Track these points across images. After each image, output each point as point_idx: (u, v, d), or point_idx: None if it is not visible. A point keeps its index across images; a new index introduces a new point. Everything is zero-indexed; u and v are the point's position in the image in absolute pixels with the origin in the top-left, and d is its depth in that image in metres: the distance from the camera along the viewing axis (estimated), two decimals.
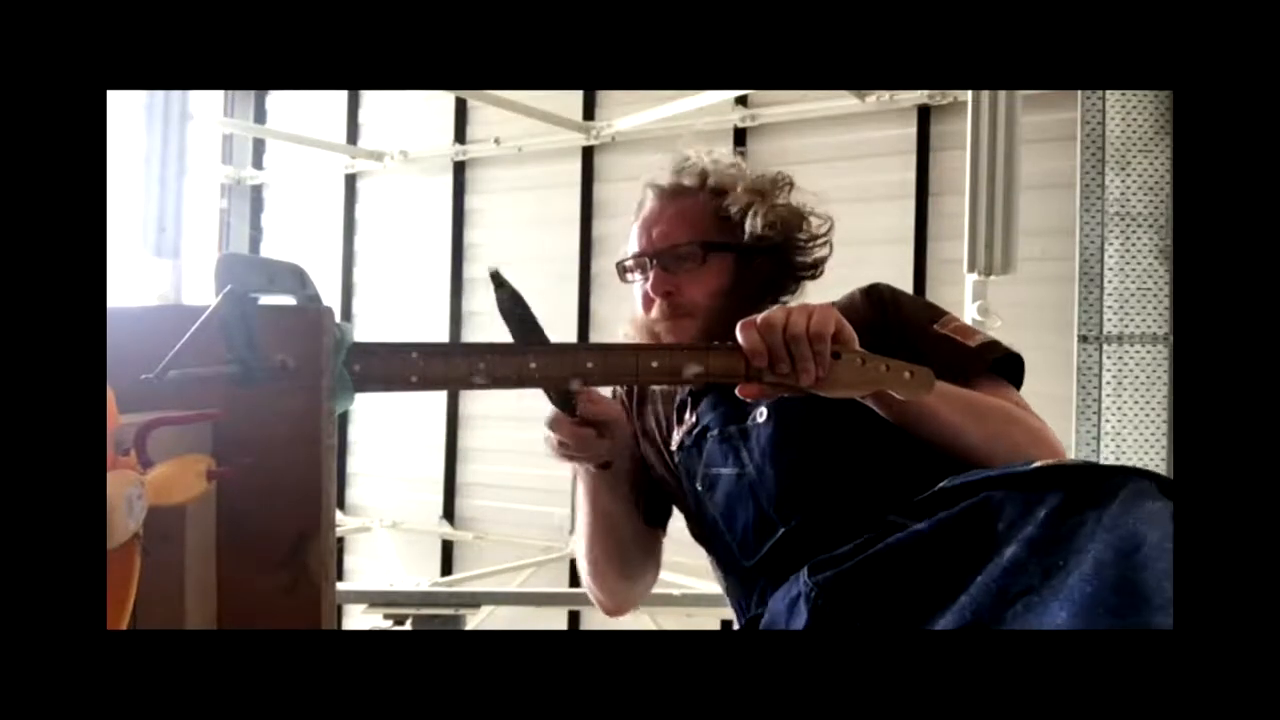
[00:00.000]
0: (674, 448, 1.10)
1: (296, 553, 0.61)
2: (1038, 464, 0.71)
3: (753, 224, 1.05)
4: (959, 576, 0.66)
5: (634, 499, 1.10)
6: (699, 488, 1.04)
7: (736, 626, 1.03)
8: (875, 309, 1.04)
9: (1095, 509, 0.63)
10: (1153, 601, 0.53)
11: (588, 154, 4.19)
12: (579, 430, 0.94)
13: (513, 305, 0.81)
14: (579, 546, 1.14)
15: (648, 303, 1.06)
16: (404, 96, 4.49)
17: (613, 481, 1.06)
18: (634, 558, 1.13)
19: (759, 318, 0.81)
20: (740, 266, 1.06)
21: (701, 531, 1.09)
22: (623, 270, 1.11)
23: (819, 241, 1.10)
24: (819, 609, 0.76)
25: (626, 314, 1.09)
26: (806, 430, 0.94)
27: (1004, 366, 1.00)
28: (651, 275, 1.06)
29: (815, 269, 1.11)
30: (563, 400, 0.91)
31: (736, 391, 0.83)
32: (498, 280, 0.82)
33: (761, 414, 0.98)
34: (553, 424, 0.95)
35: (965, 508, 0.72)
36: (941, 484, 0.78)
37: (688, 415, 1.08)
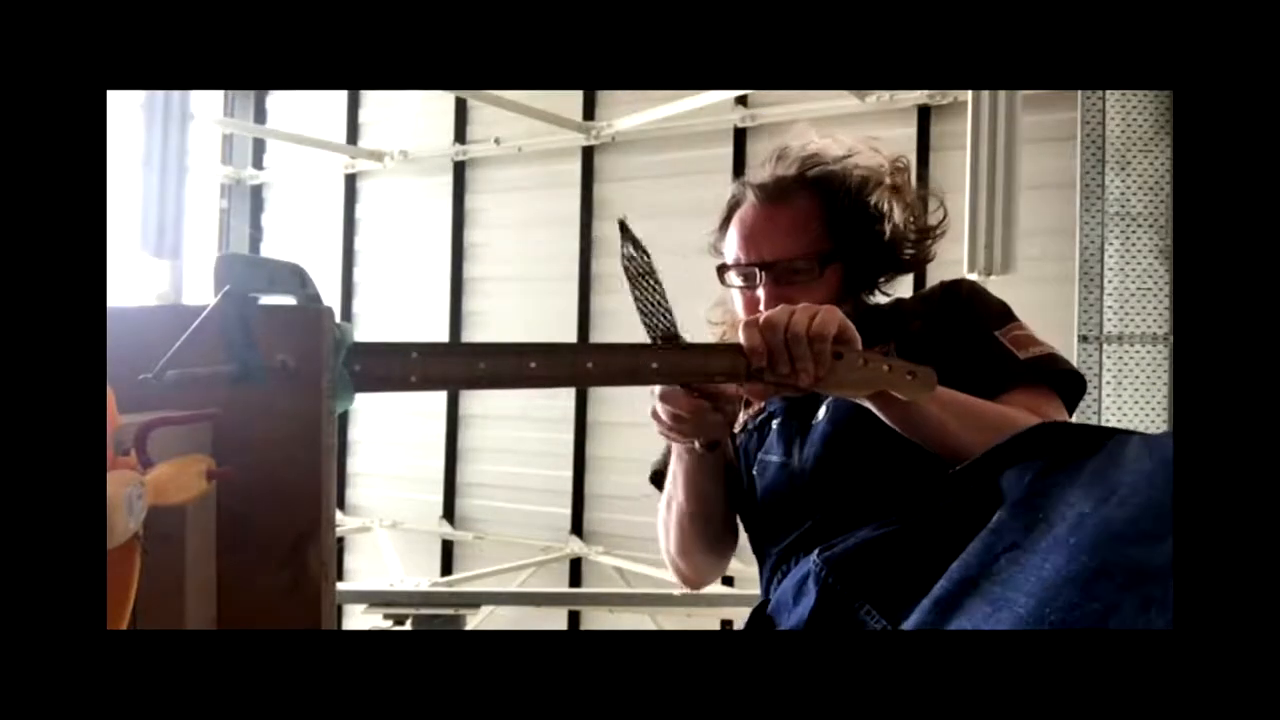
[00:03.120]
0: (736, 429, 1.10)
1: (296, 553, 0.61)
2: (1030, 425, 0.70)
3: (891, 229, 1.01)
4: (959, 550, 0.65)
5: (724, 479, 1.09)
6: (754, 472, 1.06)
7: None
8: (947, 301, 1.04)
9: (1077, 465, 0.62)
10: (1129, 537, 0.53)
11: (588, 154, 4.19)
12: (697, 403, 0.90)
13: (636, 258, 0.81)
14: (667, 522, 1.13)
15: (754, 312, 1.01)
16: (404, 96, 4.49)
17: (712, 462, 1.04)
18: (722, 535, 1.13)
19: (761, 316, 0.81)
20: (852, 268, 1.04)
21: (745, 513, 1.10)
22: (722, 272, 1.08)
23: (934, 237, 1.07)
24: (827, 586, 0.76)
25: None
26: (858, 434, 0.94)
27: (1056, 381, 0.98)
28: (763, 290, 1.02)
29: (920, 267, 1.09)
30: None
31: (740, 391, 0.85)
32: (626, 231, 0.81)
33: (823, 411, 0.99)
34: (668, 397, 0.90)
35: (970, 490, 0.71)
36: (953, 470, 0.77)
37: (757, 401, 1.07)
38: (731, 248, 1.07)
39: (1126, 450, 0.61)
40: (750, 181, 1.07)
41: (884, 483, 0.91)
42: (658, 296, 0.83)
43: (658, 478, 1.19)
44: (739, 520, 1.15)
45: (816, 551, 0.79)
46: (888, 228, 1.02)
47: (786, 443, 1.02)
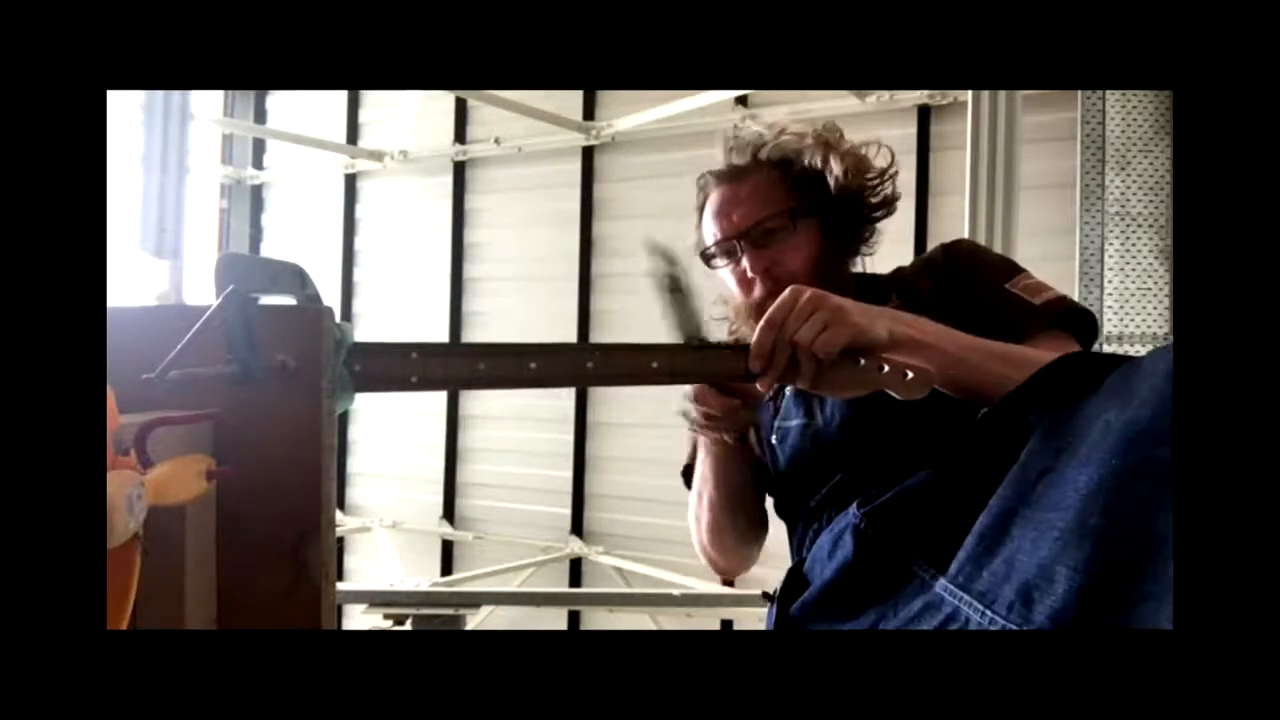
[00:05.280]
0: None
1: (296, 553, 0.61)
2: (1054, 358, 0.71)
3: (835, 180, 1.05)
4: (993, 489, 0.66)
5: (753, 468, 1.11)
6: (774, 440, 1.08)
7: None
8: (951, 265, 1.07)
9: (1097, 388, 0.63)
10: (1155, 436, 0.54)
11: (588, 154, 4.19)
12: (728, 401, 0.93)
13: (671, 274, 0.85)
14: (699, 514, 1.15)
15: (746, 284, 1.06)
16: (404, 96, 4.49)
17: (742, 454, 1.07)
18: (753, 523, 1.16)
19: (780, 320, 0.81)
20: (826, 225, 1.07)
21: (771, 483, 1.12)
22: (707, 259, 1.11)
23: (888, 176, 1.10)
24: (866, 537, 0.76)
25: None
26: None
27: (1071, 322, 1.01)
28: (745, 256, 1.05)
29: (889, 207, 1.11)
30: None
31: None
32: (659, 250, 0.86)
33: None
34: (700, 397, 0.94)
35: (1001, 432, 0.72)
36: (982, 412, 0.78)
37: None
38: (709, 232, 1.10)
39: (1141, 362, 0.62)
40: (710, 172, 1.12)
41: (911, 432, 0.92)
42: (689, 307, 0.86)
43: (688, 473, 1.21)
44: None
45: (855, 504, 0.79)
46: (831, 180, 1.05)
47: (806, 406, 1.05)
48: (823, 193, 1.06)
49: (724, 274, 1.10)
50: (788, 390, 1.06)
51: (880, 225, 1.12)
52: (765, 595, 1.06)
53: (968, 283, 1.04)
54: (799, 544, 1.06)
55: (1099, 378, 0.64)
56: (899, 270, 1.14)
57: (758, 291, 1.05)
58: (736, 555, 1.19)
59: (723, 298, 1.12)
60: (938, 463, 0.77)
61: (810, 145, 1.07)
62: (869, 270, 1.16)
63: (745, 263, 1.05)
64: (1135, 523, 0.52)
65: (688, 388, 0.94)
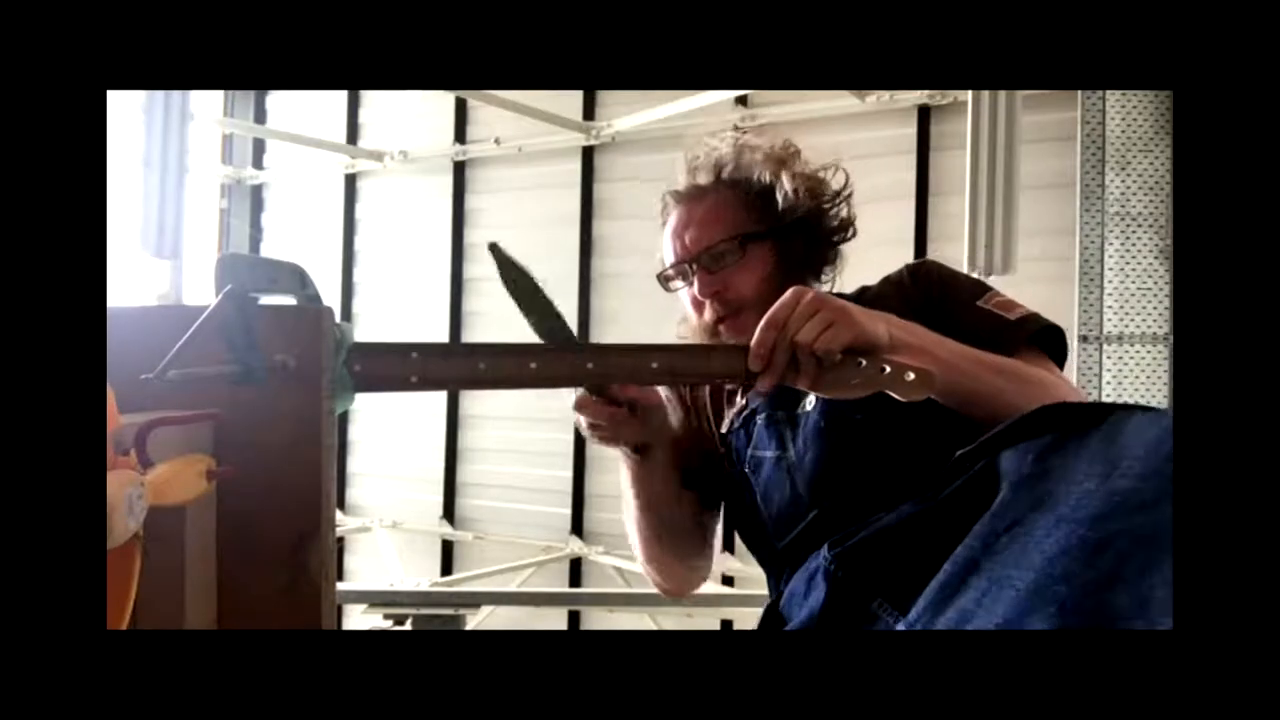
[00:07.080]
0: (724, 430, 1.11)
1: (296, 553, 0.61)
2: (1038, 406, 0.70)
3: (784, 196, 1.04)
4: (963, 533, 0.65)
5: (680, 482, 1.09)
6: (745, 470, 1.06)
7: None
8: (920, 287, 1.06)
9: (1079, 442, 0.62)
10: (1132, 505, 0.53)
11: (588, 154, 4.19)
12: (608, 410, 0.93)
13: (518, 279, 0.81)
14: (630, 529, 1.13)
15: (698, 306, 1.06)
16: (404, 96, 4.49)
17: (653, 466, 1.05)
18: (687, 540, 1.13)
19: (782, 320, 0.81)
20: (779, 247, 1.06)
21: (741, 514, 1.10)
22: (664, 280, 1.11)
23: (842, 198, 1.09)
24: (837, 580, 0.75)
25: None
26: (851, 420, 0.94)
27: (1044, 340, 1.00)
28: (695, 280, 1.05)
29: (846, 230, 1.10)
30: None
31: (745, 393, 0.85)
32: (499, 255, 0.81)
33: (810, 402, 0.99)
34: (579, 405, 0.94)
35: (974, 473, 0.71)
36: (958, 453, 0.77)
37: (738, 398, 1.09)
38: (666, 254, 1.10)
39: (1128, 425, 0.61)
40: (668, 192, 1.12)
41: (885, 470, 0.91)
42: (548, 309, 0.82)
43: None
44: (728, 518, 1.15)
45: (826, 545, 0.79)
46: (780, 196, 1.04)
47: (778, 437, 1.02)
48: (777, 214, 1.05)
49: (681, 295, 1.10)
50: (759, 418, 1.05)
51: (878, 229, 1.11)
52: None
53: (939, 304, 1.03)
54: (775, 581, 1.03)
55: (1079, 429, 0.63)
56: (863, 290, 1.12)
57: (708, 315, 1.05)
58: (673, 571, 1.16)
59: (683, 316, 1.12)
60: (912, 500, 0.76)
61: (761, 161, 1.06)
62: (840, 288, 1.14)
63: (696, 286, 1.05)
64: (1101, 595, 0.52)
65: (575, 393, 0.93)
